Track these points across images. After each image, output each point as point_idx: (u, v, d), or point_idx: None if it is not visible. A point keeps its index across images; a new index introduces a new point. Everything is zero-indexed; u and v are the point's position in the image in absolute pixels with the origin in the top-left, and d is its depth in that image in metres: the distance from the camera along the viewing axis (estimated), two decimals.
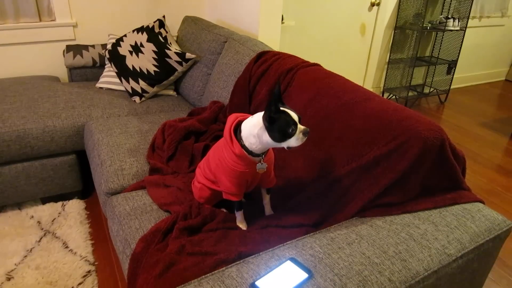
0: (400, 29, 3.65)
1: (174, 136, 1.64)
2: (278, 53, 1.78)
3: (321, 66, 1.65)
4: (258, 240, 1.17)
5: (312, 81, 1.54)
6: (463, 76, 4.57)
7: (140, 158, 1.67)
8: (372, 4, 3.43)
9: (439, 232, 1.06)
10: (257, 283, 0.86)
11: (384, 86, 3.86)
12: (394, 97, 3.94)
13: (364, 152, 1.20)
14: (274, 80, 1.66)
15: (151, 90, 2.27)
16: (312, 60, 1.72)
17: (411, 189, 1.16)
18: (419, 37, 3.80)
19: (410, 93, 3.95)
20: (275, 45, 2.44)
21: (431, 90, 4.11)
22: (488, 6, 4.21)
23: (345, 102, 1.36)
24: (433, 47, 4.01)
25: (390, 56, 3.75)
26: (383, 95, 3.91)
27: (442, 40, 3.95)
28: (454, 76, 4.45)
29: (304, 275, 0.89)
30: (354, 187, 1.19)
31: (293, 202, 1.31)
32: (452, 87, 4.50)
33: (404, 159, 1.13)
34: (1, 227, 1.97)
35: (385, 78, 3.84)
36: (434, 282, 0.98)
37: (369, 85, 3.78)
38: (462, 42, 3.80)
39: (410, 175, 1.14)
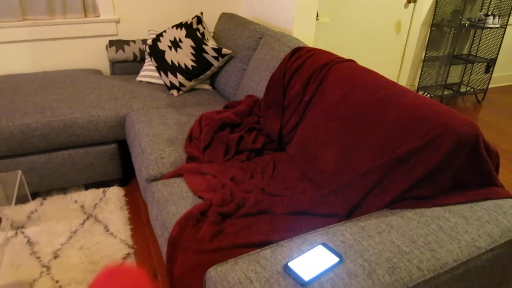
0: (437, 26, 3.59)
1: (211, 127, 1.71)
2: (313, 49, 1.82)
3: (356, 62, 1.68)
4: (290, 227, 1.23)
5: (346, 76, 1.57)
6: (502, 75, 4.43)
7: (178, 147, 1.75)
8: (409, 1, 3.39)
9: (469, 226, 1.08)
10: (289, 264, 0.92)
11: (418, 84, 3.81)
12: (429, 95, 3.88)
13: (397, 146, 1.23)
14: (308, 75, 1.71)
15: (188, 84, 2.37)
16: (346, 57, 1.74)
17: (442, 183, 1.18)
18: (456, 35, 3.71)
19: (446, 92, 3.88)
20: (310, 42, 2.48)
21: (468, 89, 4.02)
22: None
23: (379, 97, 1.39)
24: (471, 45, 3.92)
25: (425, 53, 3.69)
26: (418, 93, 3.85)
27: (480, 38, 3.85)
28: (493, 75, 4.32)
29: (335, 259, 0.94)
30: (386, 180, 1.22)
31: (325, 193, 1.36)
32: (490, 86, 4.37)
33: (437, 153, 1.15)
34: (48, 210, 2.12)
35: (420, 76, 3.79)
36: (463, 273, 1.00)
37: (403, 83, 3.74)
38: (502, 40, 3.69)
39: (443, 169, 1.16)
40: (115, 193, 2.28)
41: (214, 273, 0.94)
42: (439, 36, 3.68)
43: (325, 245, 0.99)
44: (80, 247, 1.87)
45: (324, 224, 1.25)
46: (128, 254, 1.85)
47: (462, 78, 4.07)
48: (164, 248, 1.34)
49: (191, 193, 1.47)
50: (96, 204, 2.18)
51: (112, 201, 2.21)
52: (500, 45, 3.71)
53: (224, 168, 1.57)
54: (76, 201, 2.20)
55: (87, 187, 2.31)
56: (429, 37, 3.63)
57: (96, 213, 2.11)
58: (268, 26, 2.46)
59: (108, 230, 1.99)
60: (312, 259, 0.94)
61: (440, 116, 1.20)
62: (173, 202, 1.43)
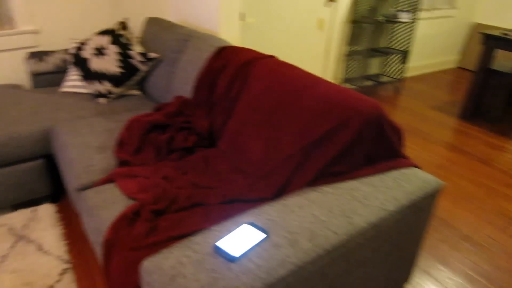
0: (356, 23, 3.86)
1: (140, 130, 1.73)
2: (236, 48, 1.90)
3: (277, 58, 1.79)
4: (222, 215, 1.29)
5: (268, 71, 1.67)
6: (417, 65, 4.84)
7: (108, 154, 1.75)
8: (329, 0, 3.61)
9: (378, 193, 1.21)
10: (218, 244, 0.98)
11: (344, 77, 4.06)
12: (354, 87, 4.15)
13: (314, 130, 1.34)
14: (233, 73, 1.79)
15: (116, 91, 2.35)
16: (275, 55, 1.85)
17: (356, 159, 1.31)
18: (374, 30, 4.01)
19: (368, 83, 4.17)
20: (236, 42, 2.56)
21: (387, 79, 4.35)
22: None
23: (297, 88, 1.50)
24: (388, 38, 4.25)
25: (348, 48, 3.94)
26: (343, 85, 4.10)
27: (395, 32, 4.19)
28: (409, 65, 4.72)
29: (262, 235, 1.02)
30: (306, 161, 1.33)
31: (254, 180, 1.44)
32: (407, 75, 4.77)
33: (348, 133, 1.28)
34: None
35: (345, 69, 4.04)
36: (375, 234, 1.13)
37: (329, 77, 3.97)
38: (414, 33, 4.04)
39: (354, 147, 1.29)
40: (47, 210, 2.20)
41: (148, 264, 0.98)
42: (359, 31, 3.96)
43: (252, 224, 1.06)
44: (12, 270, 1.79)
45: (254, 208, 1.33)
46: (65, 269, 1.80)
47: (382, 69, 4.40)
48: (100, 254, 1.34)
49: (124, 197, 1.48)
50: (26, 224, 2.08)
51: (43, 219, 2.13)
52: (413, 38, 4.07)
53: (157, 169, 1.59)
54: (4, 225, 2.08)
55: (15, 207, 2.20)
56: (349, 33, 3.89)
57: (28, 234, 2.02)
58: (194, 29, 2.51)
59: (41, 249, 1.92)
60: (240, 237, 1.01)
61: (348, 100, 1.33)
62: (106, 207, 1.44)
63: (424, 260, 1.89)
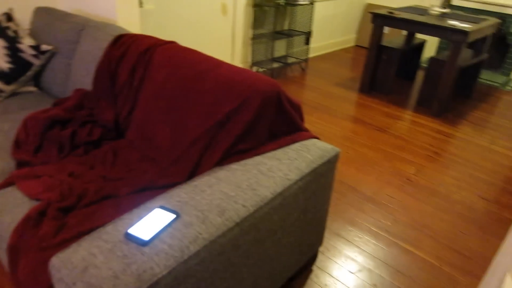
0: (259, 7, 3.95)
1: (38, 128, 1.63)
2: (135, 35, 1.86)
3: (177, 43, 1.79)
4: (134, 204, 1.29)
5: (169, 57, 1.67)
6: (320, 45, 5.13)
7: (5, 156, 1.62)
8: None
9: (282, 165, 1.30)
10: (129, 230, 0.99)
11: (252, 60, 4.16)
12: (262, 69, 4.28)
13: (218, 111, 1.39)
14: (133, 61, 1.75)
15: (7, 88, 2.16)
16: (180, 42, 1.84)
17: (259, 136, 1.39)
18: (276, 13, 4.16)
19: (276, 65, 4.33)
20: (136, 30, 2.49)
21: (293, 60, 4.56)
22: None
23: (198, 72, 1.52)
24: (290, 21, 4.43)
25: (253, 32, 4.04)
26: (251, 69, 4.21)
27: (296, 14, 4.38)
28: (312, 45, 4.97)
29: (172, 216, 1.04)
30: (213, 142, 1.37)
31: (164, 166, 1.45)
32: (311, 55, 5.03)
33: (249, 111, 1.34)
34: None
35: (252, 53, 4.14)
36: (281, 202, 1.22)
37: (238, 61, 4.04)
38: (313, 14, 4.27)
39: (256, 124, 1.37)
40: None
41: (56, 260, 0.96)
42: (262, 15, 4.07)
43: (162, 207, 1.08)
44: None
45: None
46: None
47: (288, 51, 4.59)
48: (6, 260, 1.26)
49: (27, 199, 1.40)
50: None
51: None
52: (313, 19, 4.29)
53: (61, 166, 1.52)
54: None
55: None
56: (253, 16, 3.98)
57: None
58: (89, 17, 2.38)
59: None
60: (152, 222, 1.03)
61: (247, 80, 1.39)
62: (7, 212, 1.35)
63: (335, 223, 2.07)
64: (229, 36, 3.89)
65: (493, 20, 3.68)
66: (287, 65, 4.52)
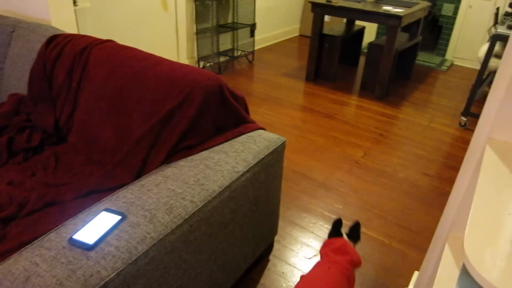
0: (200, 1, 3.91)
1: None
2: (70, 35, 1.79)
3: (115, 42, 1.74)
4: (80, 209, 1.25)
5: (107, 56, 1.62)
6: (265, 37, 5.17)
7: None
8: None
9: (229, 158, 1.32)
10: (74, 236, 0.97)
11: (198, 55, 4.13)
12: (208, 64, 4.26)
13: (160, 109, 1.37)
14: (70, 62, 1.68)
15: None
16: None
17: (205, 131, 1.39)
18: (218, 6, 4.14)
19: (222, 58, 4.32)
20: (72, 30, 2.39)
21: (240, 53, 4.57)
22: None
23: (138, 70, 1.49)
24: (233, 14, 4.43)
25: (196, 26, 4.00)
26: (198, 64, 4.17)
27: (239, 7, 4.39)
28: (257, 37, 5.01)
29: (118, 218, 1.03)
30: (158, 140, 1.36)
31: (110, 168, 1.41)
32: (257, 47, 5.06)
33: (192, 106, 1.34)
34: None
35: (197, 47, 4.10)
36: (230, 195, 1.23)
37: (184, 56, 3.99)
38: (255, 6, 4.30)
39: (201, 119, 1.37)
40: None
41: None
42: (204, 9, 4.03)
43: (108, 210, 1.06)
44: None
45: None
46: None
47: (234, 44, 4.59)
48: None
49: None
50: None
51: None
52: (255, 11, 4.32)
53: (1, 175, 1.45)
54: None
55: None
56: (195, 11, 3.93)
57: None
58: (20, 18, 2.25)
59: None
60: (97, 225, 1.00)
61: (188, 76, 1.39)
62: None
63: (289, 211, 2.12)
64: (173, 32, 3.82)
65: (424, 4, 3.89)
66: (234, 58, 4.52)
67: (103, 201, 1.12)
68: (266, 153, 1.40)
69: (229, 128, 1.48)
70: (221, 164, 1.28)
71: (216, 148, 1.37)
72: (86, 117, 1.60)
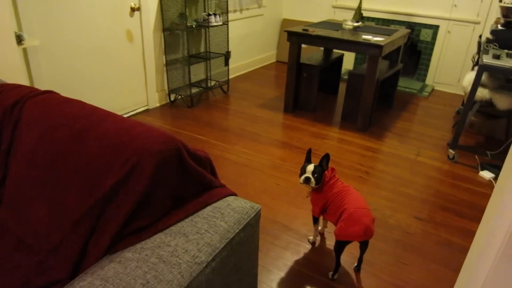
0: (169, 31, 3.69)
1: None
2: (1, 86, 1.51)
3: (55, 93, 1.47)
4: None
5: (42, 112, 1.34)
6: (240, 65, 4.97)
7: None
8: (132, 9, 3.34)
9: (189, 243, 1.05)
10: None
11: (168, 88, 3.87)
12: (180, 97, 4.00)
13: (101, 183, 1.10)
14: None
15: None
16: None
17: (159, 207, 1.12)
18: (188, 36, 3.92)
19: (196, 90, 4.08)
20: (20, 73, 2.10)
21: (214, 83, 4.33)
22: (245, 0, 4.65)
23: (77, 131, 1.22)
24: (206, 42, 4.21)
25: (166, 57, 3.76)
26: (169, 97, 3.91)
27: (211, 36, 4.18)
28: (232, 66, 4.80)
29: None
30: (100, 223, 1.08)
31: (42, 258, 1.12)
32: (232, 76, 4.85)
33: (142, 179, 1.07)
34: None
35: (167, 79, 3.85)
36: None
37: (153, 90, 3.73)
38: (228, 34, 4.10)
39: (153, 193, 1.10)
40: None
41: None
42: (174, 39, 3.80)
43: None
44: None
45: None
46: None
47: (207, 74, 4.37)
48: None
49: None
50: None
51: None
52: (228, 39, 4.12)
53: None
54: None
55: None
56: (164, 41, 3.70)
57: None
58: None
59: None
60: None
61: (136, 139, 1.12)
62: None
63: (270, 276, 1.85)
64: (140, 64, 3.57)
65: (404, 31, 3.76)
66: (208, 89, 4.29)
67: None
68: (237, 231, 1.14)
69: (190, 198, 1.21)
70: (179, 254, 1.01)
71: (174, 228, 1.10)
72: (16, 187, 1.31)
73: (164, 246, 1.04)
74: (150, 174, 1.08)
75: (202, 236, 1.08)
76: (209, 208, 1.19)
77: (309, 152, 1.88)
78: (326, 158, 1.82)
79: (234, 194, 1.30)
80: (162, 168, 1.10)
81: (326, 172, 1.85)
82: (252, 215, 1.21)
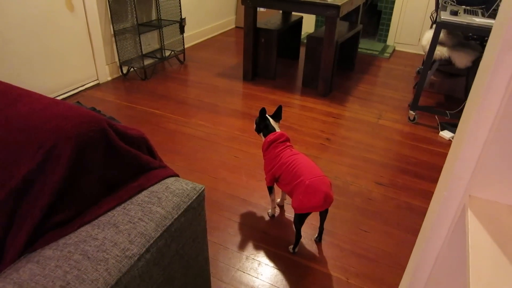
0: None
1: None
2: None
3: None
4: None
5: None
6: (197, 32, 4.73)
7: None
8: None
9: (119, 235, 0.93)
10: None
11: (119, 60, 3.63)
12: (133, 69, 3.77)
13: (14, 172, 0.96)
14: None
15: None
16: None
17: (86, 195, 0.99)
18: (136, 3, 3.65)
19: (150, 61, 3.84)
20: None
21: (169, 53, 4.10)
22: None
23: None
24: (157, 10, 3.95)
25: (113, 27, 3.49)
26: (121, 69, 3.68)
27: (162, 2, 3.91)
28: (188, 33, 4.56)
29: None
30: (15, 218, 0.95)
31: None
32: (188, 45, 4.62)
33: (59, 167, 0.94)
34: None
35: (117, 51, 3.60)
36: None
37: (102, 63, 3.48)
38: (180, 1, 3.85)
39: (77, 181, 0.97)
40: None
41: None
42: (120, 7, 3.52)
43: None
44: None
45: None
46: None
47: (162, 43, 4.12)
48: None
49: None
50: None
51: None
52: (180, 5, 3.87)
53: None
54: None
55: None
56: (110, 9, 3.42)
57: None
58: None
59: None
60: None
61: (51, 121, 0.98)
62: None
63: (230, 257, 1.78)
64: (85, 35, 3.30)
65: None
66: (163, 59, 4.06)
67: None
68: (175, 216, 1.03)
69: (124, 183, 1.09)
70: (107, 248, 0.89)
71: (103, 219, 0.98)
72: None
73: (91, 240, 0.92)
74: (69, 160, 0.94)
75: (135, 225, 0.96)
76: (145, 193, 1.08)
77: (263, 111, 1.90)
78: (278, 109, 1.92)
79: (176, 175, 1.18)
80: (84, 153, 0.97)
81: (270, 135, 1.84)
82: (194, 197, 1.10)
